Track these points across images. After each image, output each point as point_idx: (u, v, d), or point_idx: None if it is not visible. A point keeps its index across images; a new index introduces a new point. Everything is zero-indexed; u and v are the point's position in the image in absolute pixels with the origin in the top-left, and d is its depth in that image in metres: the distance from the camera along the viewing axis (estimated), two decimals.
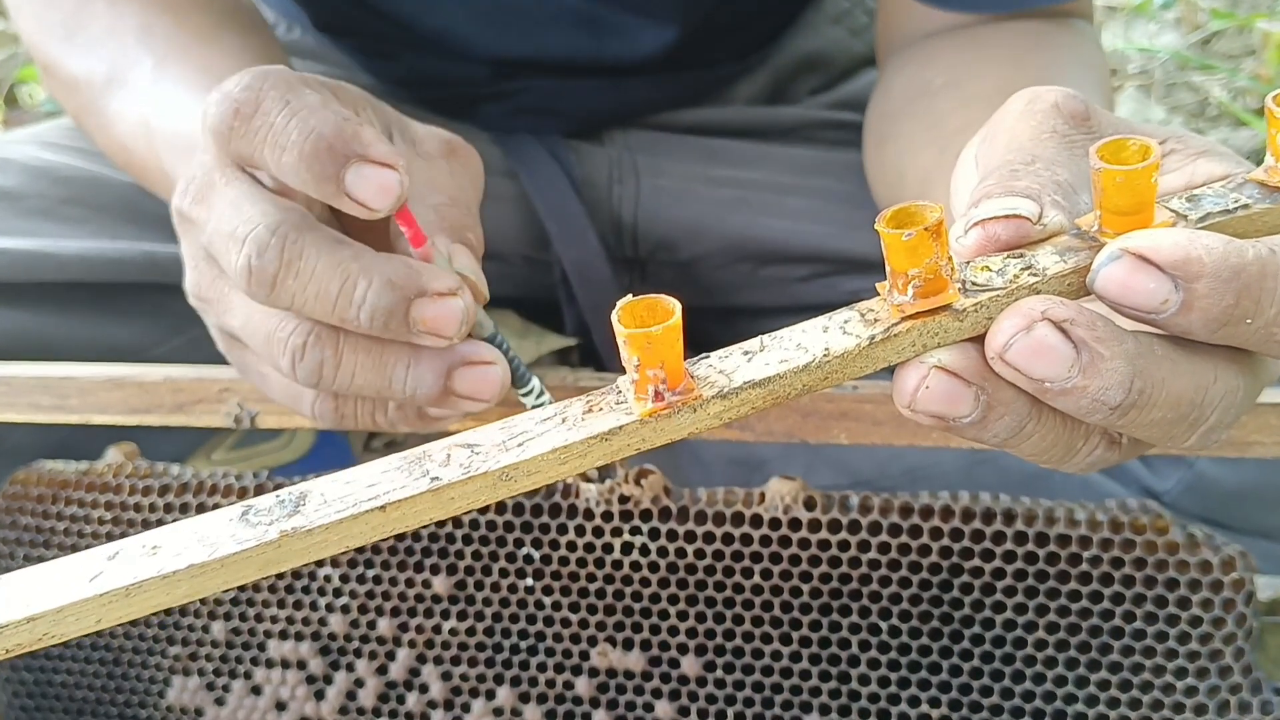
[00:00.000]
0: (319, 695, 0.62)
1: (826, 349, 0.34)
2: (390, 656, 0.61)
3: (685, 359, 0.34)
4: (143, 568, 0.33)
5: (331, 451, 0.85)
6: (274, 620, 0.62)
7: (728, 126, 0.90)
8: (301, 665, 0.62)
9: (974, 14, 0.74)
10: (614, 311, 0.32)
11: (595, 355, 0.87)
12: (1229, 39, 1.46)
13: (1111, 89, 0.76)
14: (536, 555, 0.58)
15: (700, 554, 0.56)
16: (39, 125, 0.92)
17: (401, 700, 0.61)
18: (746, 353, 0.35)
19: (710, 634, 0.57)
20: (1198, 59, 1.39)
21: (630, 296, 0.33)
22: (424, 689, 0.61)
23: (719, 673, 0.58)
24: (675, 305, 0.32)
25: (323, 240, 0.48)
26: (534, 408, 0.50)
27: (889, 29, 0.82)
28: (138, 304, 0.76)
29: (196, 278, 0.54)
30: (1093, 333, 0.33)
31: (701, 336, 0.94)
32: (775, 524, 0.55)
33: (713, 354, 0.35)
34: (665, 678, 0.58)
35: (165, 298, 0.76)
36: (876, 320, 0.34)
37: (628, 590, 0.58)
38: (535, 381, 0.54)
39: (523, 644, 0.60)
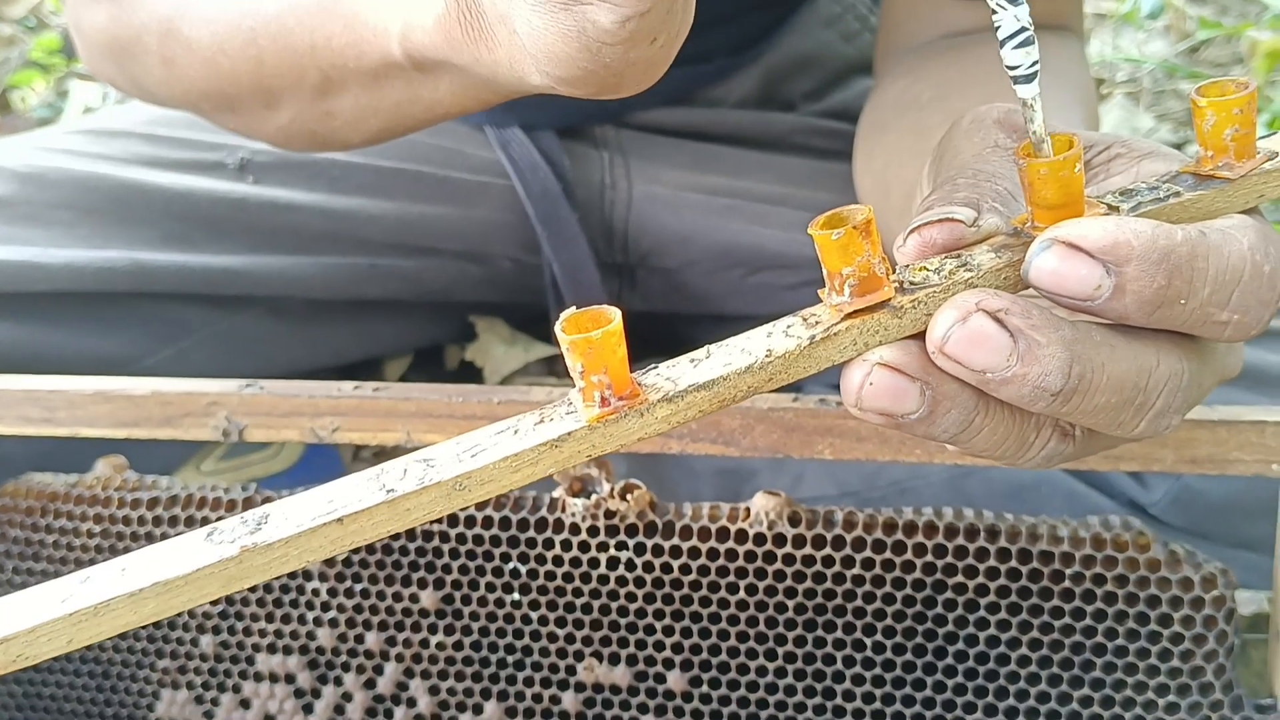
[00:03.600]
0: (307, 709, 0.63)
1: (769, 351, 0.35)
2: (378, 670, 0.62)
3: (638, 369, 0.35)
4: (111, 587, 0.33)
5: (321, 461, 0.86)
6: (262, 634, 0.63)
7: (721, 131, 0.90)
8: (290, 679, 0.63)
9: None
10: (558, 322, 0.33)
11: None
12: (1218, 47, 1.47)
13: (1096, 103, 0.76)
14: (523, 570, 0.59)
15: (686, 569, 0.57)
16: (32, 132, 0.92)
17: (389, 714, 0.62)
18: (693, 360, 0.35)
19: (696, 649, 0.58)
20: (1184, 68, 1.39)
21: (574, 308, 0.33)
22: (411, 703, 0.61)
23: (704, 688, 0.58)
24: (616, 313, 0.33)
25: None
26: None
27: (887, 35, 0.82)
28: (127, 315, 0.76)
29: None
30: (1028, 320, 0.33)
31: (690, 344, 0.94)
32: (760, 539, 0.56)
33: (661, 364, 0.35)
34: (651, 693, 0.59)
35: (155, 308, 0.77)
36: (818, 322, 0.35)
37: (614, 605, 0.58)
38: None
39: (509, 658, 0.60)
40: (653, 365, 0.36)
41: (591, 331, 0.33)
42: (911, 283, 0.35)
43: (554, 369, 0.91)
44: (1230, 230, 0.36)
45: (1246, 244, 0.35)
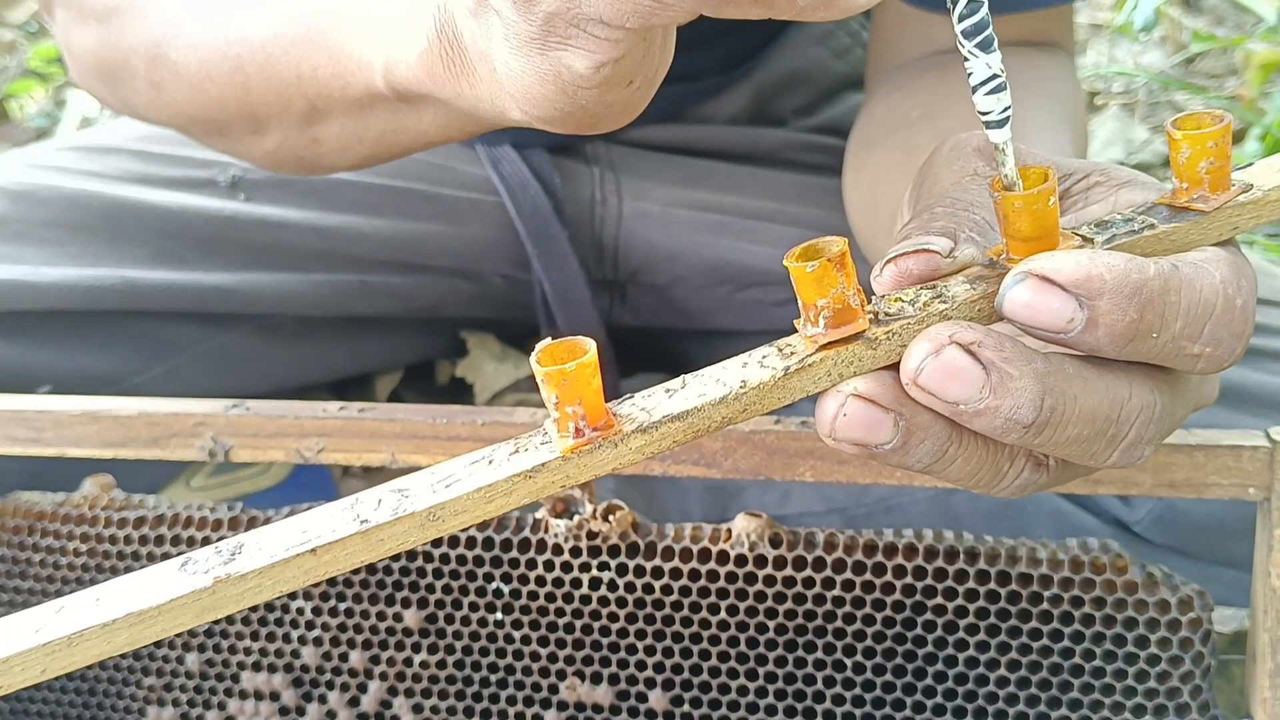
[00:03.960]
0: None
1: (743, 382, 0.35)
2: (362, 689, 0.62)
3: (623, 394, 0.35)
4: (84, 617, 0.34)
5: (311, 478, 0.86)
6: (247, 652, 0.63)
7: (711, 147, 0.91)
8: (274, 697, 0.63)
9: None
10: (533, 354, 0.33)
11: None
12: (1213, 58, 1.47)
13: (1086, 120, 0.76)
14: (506, 590, 0.59)
15: (668, 589, 0.57)
16: (23, 149, 0.92)
17: None
18: (668, 390, 0.36)
19: (677, 669, 0.58)
20: (1177, 83, 1.39)
21: (549, 340, 0.33)
22: None
23: (686, 707, 0.58)
24: (590, 344, 0.33)
25: None
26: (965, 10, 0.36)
27: (879, 51, 0.82)
28: (117, 333, 0.77)
29: None
30: (1000, 353, 0.34)
31: (680, 359, 0.95)
32: (741, 560, 0.56)
33: (636, 394, 0.36)
34: (633, 712, 0.59)
35: (144, 326, 0.77)
36: (793, 353, 0.35)
37: (596, 625, 0.58)
38: None
39: (492, 677, 0.60)
40: (628, 395, 0.36)
41: (566, 363, 0.33)
42: (887, 314, 0.36)
43: None
44: (1203, 264, 0.36)
45: (1219, 277, 0.36)
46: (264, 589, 0.34)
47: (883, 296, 0.36)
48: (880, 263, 0.37)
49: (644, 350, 0.96)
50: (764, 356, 0.36)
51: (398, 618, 0.60)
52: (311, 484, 0.86)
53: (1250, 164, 0.40)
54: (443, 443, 0.59)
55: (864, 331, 0.35)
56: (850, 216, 0.78)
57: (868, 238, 0.74)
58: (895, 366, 0.35)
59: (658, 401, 0.35)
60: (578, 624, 0.58)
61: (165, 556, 0.62)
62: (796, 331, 0.36)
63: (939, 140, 0.68)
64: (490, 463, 0.35)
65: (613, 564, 0.57)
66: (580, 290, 0.82)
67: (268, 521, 0.61)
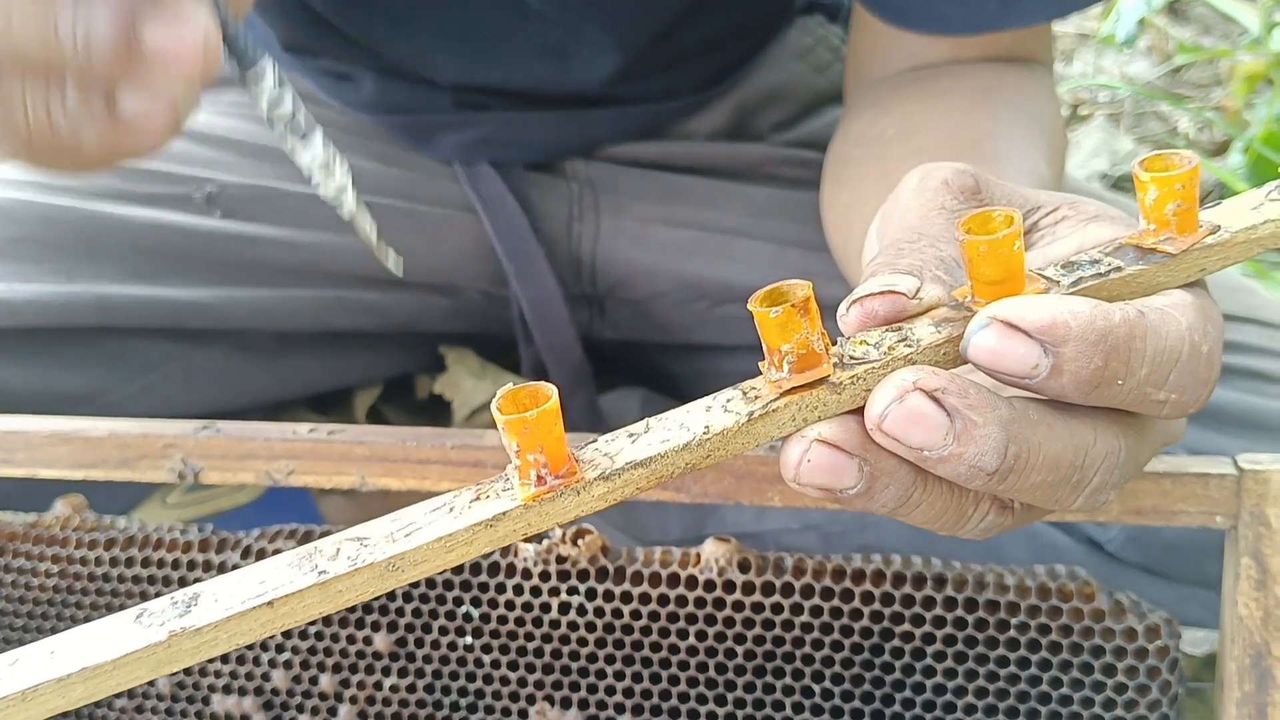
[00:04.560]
0: None
1: (707, 427, 0.35)
2: (332, 712, 0.62)
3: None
4: (39, 672, 0.33)
5: (287, 494, 0.86)
6: (218, 675, 0.63)
7: (690, 162, 0.90)
8: None
9: (938, 35, 0.74)
10: (494, 400, 0.33)
11: None
12: (1199, 69, 1.47)
13: (1064, 136, 0.76)
14: (476, 614, 0.59)
15: (637, 614, 0.57)
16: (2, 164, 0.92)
17: None
18: (631, 435, 0.35)
19: (647, 694, 0.58)
20: (1161, 95, 1.39)
21: (511, 385, 0.33)
22: None
23: None
24: (552, 391, 0.33)
25: None
26: (272, 111, 0.42)
27: (856, 66, 0.82)
28: (92, 350, 0.77)
29: None
30: (964, 400, 0.34)
31: (660, 372, 0.95)
32: (710, 585, 0.56)
33: (600, 438, 0.35)
34: None
35: (120, 343, 0.77)
36: (757, 397, 0.35)
37: (565, 649, 0.58)
38: (270, 69, 0.42)
39: (462, 701, 0.60)
40: (591, 440, 0.36)
41: (527, 411, 0.33)
42: (851, 357, 0.35)
43: None
44: (1169, 309, 0.36)
45: (1185, 324, 0.36)
46: (220, 642, 0.34)
47: (848, 339, 0.36)
48: (846, 302, 0.37)
49: (625, 363, 0.96)
50: (728, 400, 0.35)
51: (368, 641, 0.60)
52: (288, 501, 0.86)
53: (1220, 202, 0.40)
54: (413, 465, 0.59)
55: (828, 377, 0.34)
56: (827, 233, 0.78)
57: (843, 255, 0.73)
58: (860, 411, 0.35)
59: (621, 447, 0.35)
60: (547, 648, 0.58)
61: (135, 579, 0.62)
62: (761, 373, 0.36)
63: (914, 158, 0.68)
64: (451, 510, 0.34)
65: (582, 588, 0.57)
66: (557, 306, 0.82)
67: (237, 545, 0.61)
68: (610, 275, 0.86)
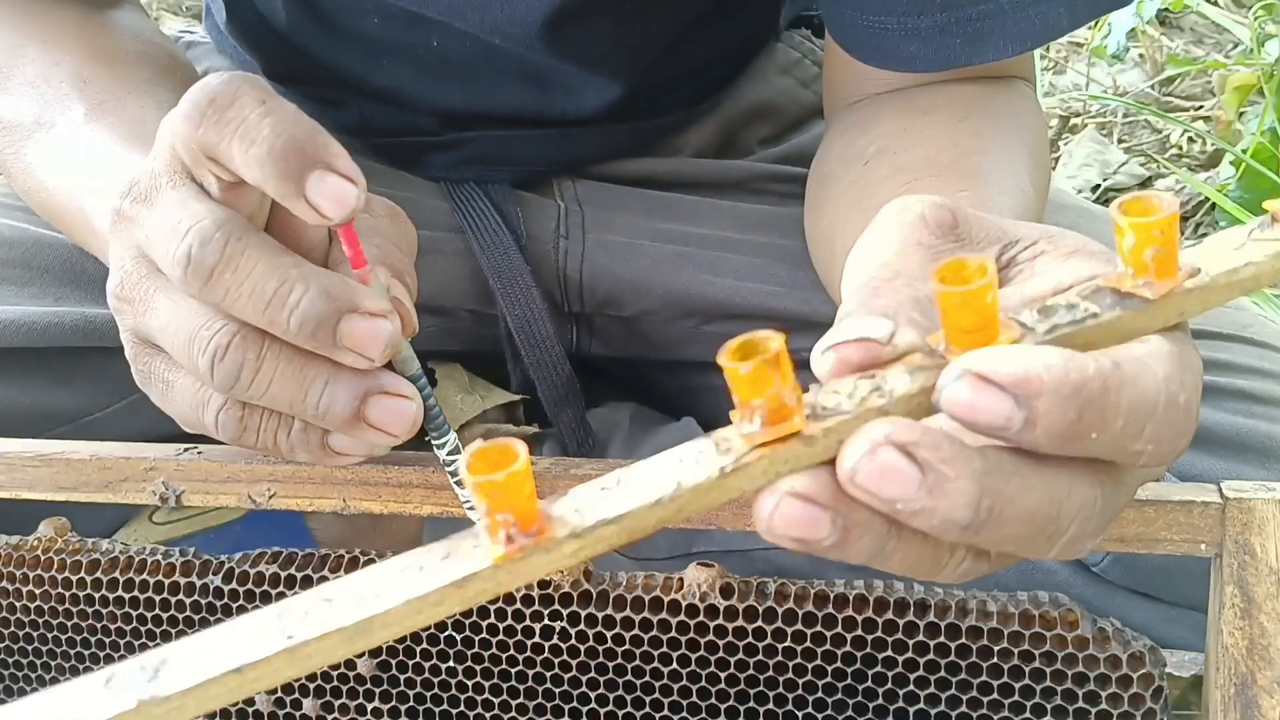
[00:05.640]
0: None
1: (679, 483, 0.34)
2: None
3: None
4: None
5: (274, 511, 0.85)
6: None
7: (677, 178, 0.90)
8: None
9: (907, 72, 0.74)
10: (462, 459, 0.33)
11: (540, 412, 0.87)
12: (1193, 79, 1.47)
13: (1048, 154, 0.76)
14: (459, 638, 0.58)
15: (620, 639, 0.56)
16: None
17: None
18: (603, 489, 0.35)
19: (629, 718, 0.58)
20: (1150, 108, 1.39)
21: (480, 442, 0.33)
22: None
23: None
24: (522, 450, 0.32)
25: (266, 243, 0.50)
26: (446, 463, 0.55)
27: (834, 87, 0.82)
28: (76, 369, 0.76)
29: (122, 277, 0.54)
30: (937, 453, 0.33)
31: (650, 388, 0.95)
32: (693, 610, 0.56)
33: (574, 489, 0.35)
34: None
35: (104, 361, 0.76)
36: (729, 450, 0.35)
37: (549, 674, 0.58)
38: (452, 436, 0.56)
39: None
40: (562, 493, 0.35)
41: (495, 474, 0.32)
42: (824, 408, 0.35)
43: (513, 416, 0.90)
44: (1146, 359, 0.35)
45: (1162, 374, 0.35)
46: (188, 708, 0.33)
47: (821, 387, 0.36)
48: (820, 347, 0.37)
49: (617, 376, 0.96)
50: (700, 452, 0.35)
51: (350, 665, 0.60)
52: (277, 517, 0.86)
53: (1200, 241, 0.39)
54: (394, 489, 0.59)
55: (800, 431, 0.34)
56: (811, 252, 0.78)
57: (827, 275, 0.73)
58: (834, 462, 0.35)
59: (592, 502, 0.35)
60: (530, 673, 0.58)
61: (118, 601, 0.62)
62: (732, 424, 0.35)
63: (895, 177, 0.68)
64: (421, 569, 0.34)
65: (565, 613, 0.57)
66: (543, 325, 0.82)
67: (220, 568, 0.61)
68: (598, 292, 0.86)
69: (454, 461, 0.56)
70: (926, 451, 0.33)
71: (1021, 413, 0.33)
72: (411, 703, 0.60)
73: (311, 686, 0.61)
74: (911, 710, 0.54)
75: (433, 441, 0.56)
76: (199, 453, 0.61)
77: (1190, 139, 1.34)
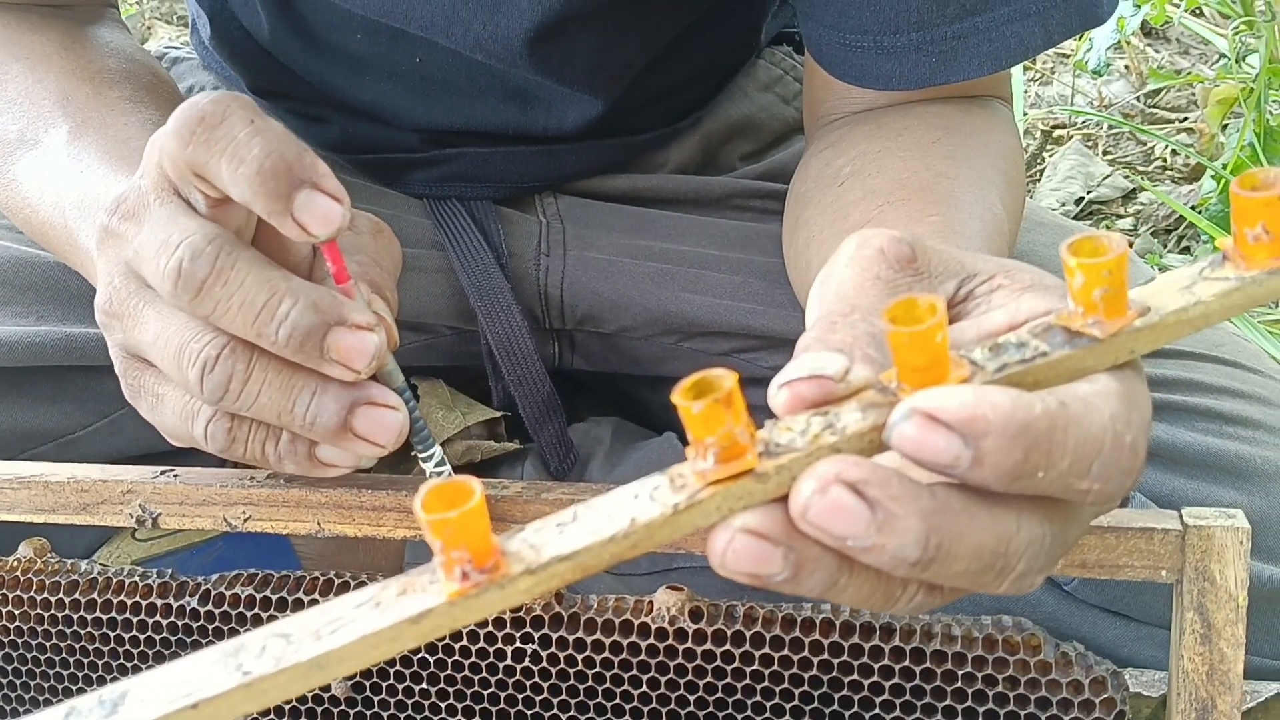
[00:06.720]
0: None
1: (633, 519, 0.35)
2: None
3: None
4: None
5: None
6: None
7: (659, 194, 0.91)
8: None
9: (883, 90, 0.75)
10: (417, 497, 0.33)
11: (522, 427, 0.88)
12: (1177, 91, 1.47)
13: (1022, 173, 0.76)
14: (431, 660, 0.59)
15: (590, 662, 0.57)
16: None
17: None
18: (559, 525, 0.35)
19: None
20: (1132, 124, 1.40)
21: (434, 480, 0.33)
22: None
23: None
24: (477, 487, 0.33)
25: (255, 258, 0.50)
26: (433, 474, 0.56)
27: (813, 105, 0.83)
28: (60, 387, 0.77)
29: (110, 294, 0.55)
30: (886, 491, 0.34)
31: (633, 402, 0.95)
32: (662, 634, 0.56)
33: (529, 526, 0.36)
34: None
35: (87, 380, 0.77)
36: (683, 486, 0.35)
37: (520, 696, 0.58)
38: (438, 449, 0.57)
39: None
40: (519, 528, 0.36)
41: (449, 511, 0.33)
42: (777, 444, 0.36)
43: (494, 432, 0.91)
44: (1092, 399, 0.36)
45: (1108, 414, 0.36)
46: None
47: (775, 423, 0.37)
48: (776, 383, 0.38)
49: (599, 390, 0.96)
50: (655, 488, 0.36)
51: (325, 688, 0.61)
52: (260, 534, 0.86)
53: (1153, 279, 0.40)
54: (368, 513, 0.59)
55: (753, 468, 0.35)
56: (789, 272, 0.79)
57: (802, 294, 0.74)
58: (786, 498, 0.35)
59: (548, 538, 0.35)
60: (502, 695, 0.59)
61: (96, 621, 0.63)
62: (688, 460, 0.36)
63: (869, 199, 0.69)
64: (377, 605, 0.34)
65: (536, 635, 0.57)
66: (524, 343, 0.82)
67: (196, 589, 0.61)
68: (578, 309, 0.86)
69: (441, 473, 0.57)
70: (876, 490, 0.34)
71: (969, 451, 0.34)
72: None
73: (286, 709, 0.61)
74: None
75: (418, 454, 0.57)
76: (176, 476, 0.61)
77: (1174, 151, 1.35)
